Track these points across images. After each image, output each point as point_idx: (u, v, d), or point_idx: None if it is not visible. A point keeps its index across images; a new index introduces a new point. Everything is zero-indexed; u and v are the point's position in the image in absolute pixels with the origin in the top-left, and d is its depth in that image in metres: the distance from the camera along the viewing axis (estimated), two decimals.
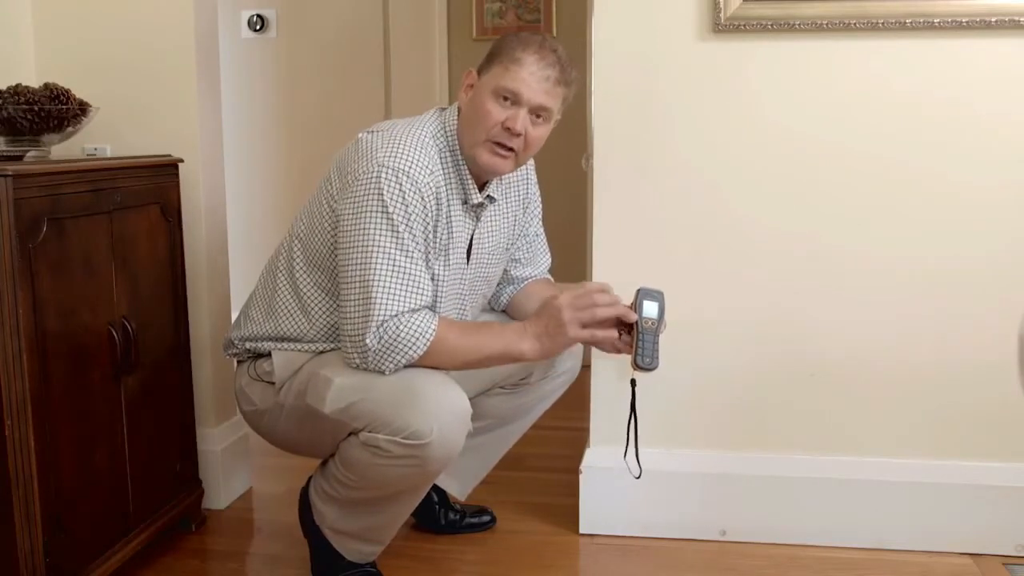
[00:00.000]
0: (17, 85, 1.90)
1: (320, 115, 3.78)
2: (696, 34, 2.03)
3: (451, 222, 1.78)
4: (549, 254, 2.12)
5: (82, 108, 1.97)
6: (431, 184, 1.71)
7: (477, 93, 1.75)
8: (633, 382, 1.85)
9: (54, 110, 1.91)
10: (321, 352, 1.80)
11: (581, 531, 2.18)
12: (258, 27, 3.80)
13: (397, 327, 1.64)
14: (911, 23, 1.96)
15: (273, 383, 1.82)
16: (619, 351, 1.81)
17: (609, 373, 2.13)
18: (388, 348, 1.64)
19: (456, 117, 1.80)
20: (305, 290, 1.80)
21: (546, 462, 2.61)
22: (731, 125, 2.06)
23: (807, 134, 2.04)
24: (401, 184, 1.66)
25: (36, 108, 1.88)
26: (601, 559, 2.09)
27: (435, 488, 2.17)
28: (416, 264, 1.68)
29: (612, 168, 2.10)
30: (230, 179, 2.55)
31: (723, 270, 2.10)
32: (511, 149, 1.74)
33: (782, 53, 2.02)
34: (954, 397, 2.07)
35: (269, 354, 1.84)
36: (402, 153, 1.69)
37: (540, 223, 2.08)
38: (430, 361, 1.67)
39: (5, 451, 1.57)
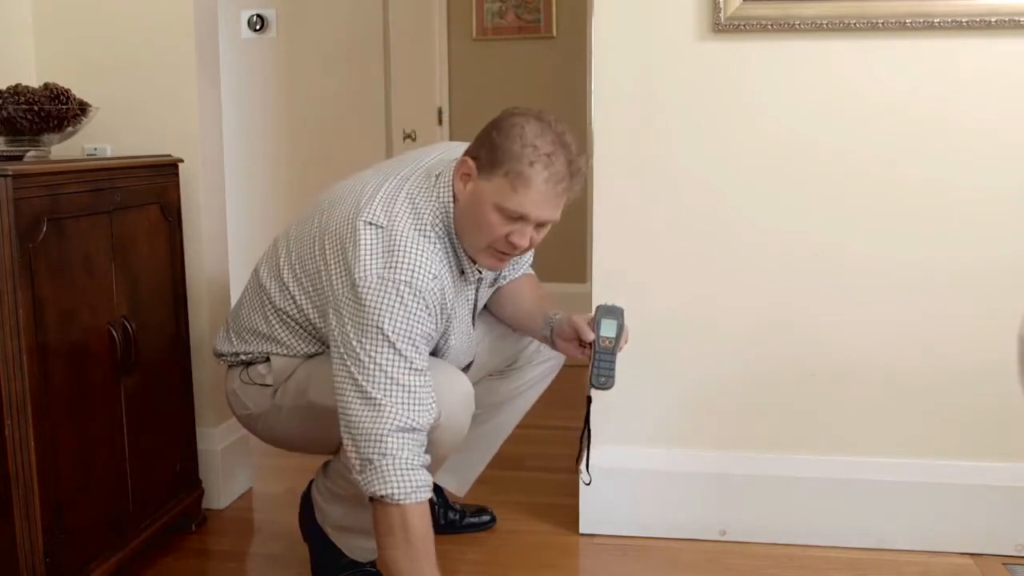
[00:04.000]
0: (17, 85, 1.90)
1: (320, 115, 3.78)
2: (696, 34, 2.03)
3: (456, 296, 1.76)
4: (532, 250, 2.10)
5: (82, 108, 1.97)
6: (436, 290, 1.63)
7: (478, 199, 1.64)
8: (588, 399, 1.86)
9: (54, 110, 1.91)
10: (313, 355, 1.81)
11: (581, 531, 2.18)
12: (258, 27, 3.80)
13: (402, 464, 1.56)
14: (911, 23, 1.96)
15: (267, 385, 1.82)
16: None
17: None
18: (380, 473, 1.56)
19: (451, 196, 1.69)
20: (296, 317, 1.79)
21: (546, 462, 2.61)
22: (731, 125, 2.06)
23: (807, 134, 2.04)
24: (404, 301, 1.58)
25: (36, 108, 1.88)
26: (601, 559, 2.09)
27: (435, 488, 2.17)
28: (423, 379, 1.60)
29: (612, 168, 2.10)
30: (230, 179, 2.55)
31: (723, 270, 2.10)
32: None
33: (782, 53, 2.02)
34: (954, 397, 2.07)
35: (264, 360, 1.84)
36: (405, 264, 1.60)
37: None
38: (390, 517, 1.58)
39: (5, 451, 1.58)
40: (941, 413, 2.08)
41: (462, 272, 1.77)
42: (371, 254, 1.62)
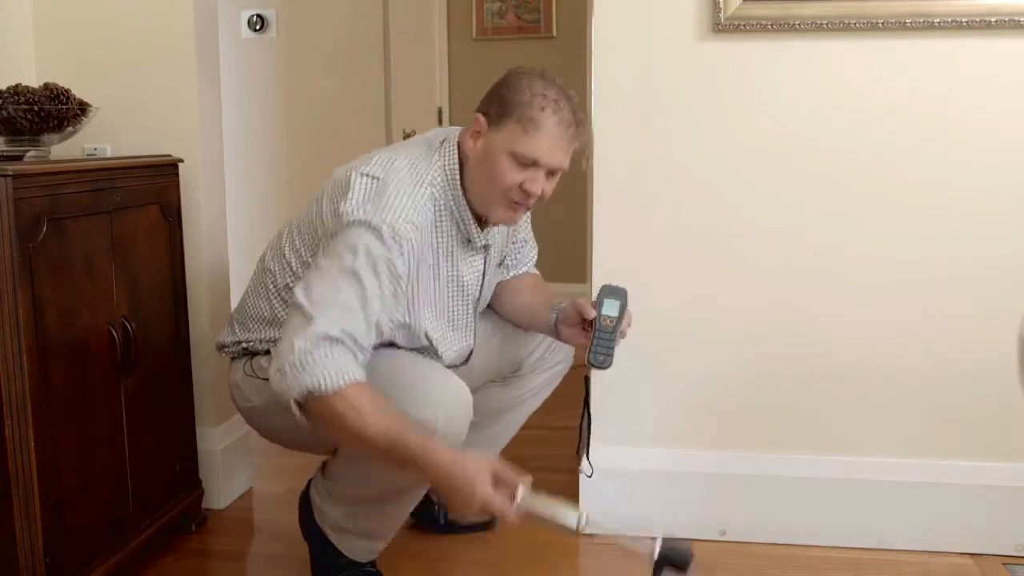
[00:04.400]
0: (17, 85, 1.90)
1: (320, 115, 3.78)
2: (696, 34, 2.03)
3: (456, 265, 1.78)
4: (536, 248, 2.11)
5: (82, 108, 1.97)
6: (415, 241, 1.66)
7: (490, 151, 1.69)
8: (587, 379, 1.85)
9: (54, 110, 1.91)
10: None
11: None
12: (258, 27, 3.80)
13: (324, 354, 1.51)
14: (911, 23, 1.96)
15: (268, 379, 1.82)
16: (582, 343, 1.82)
17: (609, 372, 2.13)
18: (301, 366, 1.51)
19: (456, 159, 1.74)
20: None
21: (546, 462, 2.59)
22: (731, 125, 2.06)
23: (807, 134, 2.04)
24: (383, 237, 1.61)
25: (36, 108, 1.88)
26: (601, 559, 2.09)
27: None
28: (370, 311, 1.59)
29: (612, 168, 2.10)
30: (230, 179, 2.55)
31: (723, 270, 2.10)
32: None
33: (782, 53, 2.02)
34: (954, 397, 2.07)
35: (265, 351, 1.84)
36: (391, 206, 1.64)
37: (529, 226, 2.07)
38: (332, 406, 1.50)
39: (5, 451, 1.58)
40: (941, 413, 2.08)
41: (468, 240, 1.79)
42: (361, 196, 1.67)
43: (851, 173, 2.04)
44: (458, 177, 1.74)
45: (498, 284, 2.04)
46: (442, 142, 1.77)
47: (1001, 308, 1.98)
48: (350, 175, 1.70)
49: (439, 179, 1.73)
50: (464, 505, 1.46)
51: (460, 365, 1.88)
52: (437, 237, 1.75)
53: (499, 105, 1.69)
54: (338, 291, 1.58)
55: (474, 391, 1.97)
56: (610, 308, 1.78)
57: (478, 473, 1.45)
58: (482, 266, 1.87)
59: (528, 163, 1.67)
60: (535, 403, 2.11)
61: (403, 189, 1.67)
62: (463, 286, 1.83)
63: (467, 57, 4.45)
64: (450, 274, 1.80)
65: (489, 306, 2.06)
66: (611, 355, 1.76)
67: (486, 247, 1.85)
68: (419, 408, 1.62)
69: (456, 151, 1.75)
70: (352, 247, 1.60)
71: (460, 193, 1.74)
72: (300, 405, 1.52)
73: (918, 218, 2.03)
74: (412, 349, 1.80)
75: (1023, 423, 2.05)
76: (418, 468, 1.49)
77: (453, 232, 1.78)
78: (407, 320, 1.73)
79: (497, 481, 1.46)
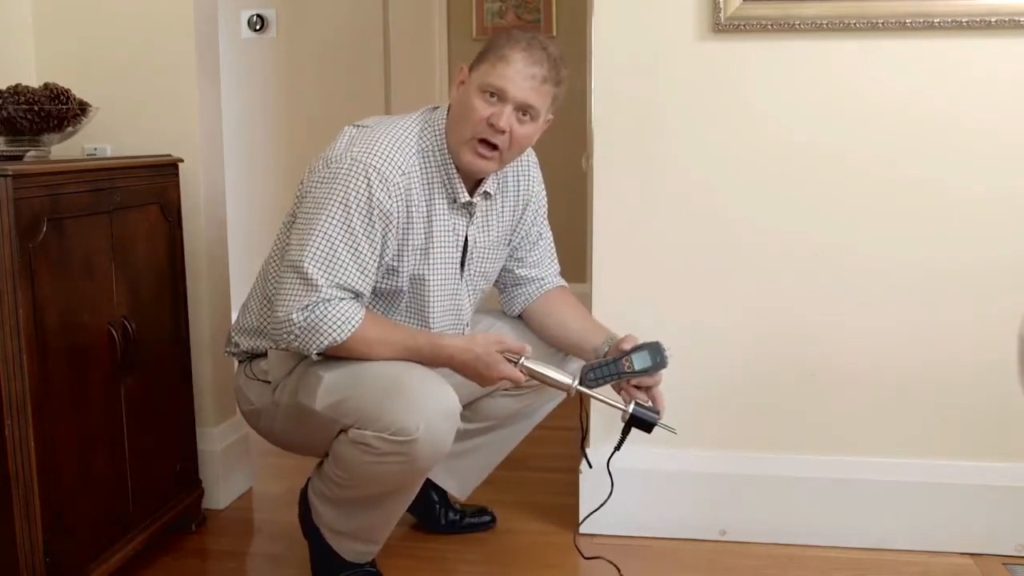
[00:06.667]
0: (17, 85, 1.90)
1: (320, 115, 3.79)
2: (696, 34, 2.03)
3: (432, 223, 1.78)
4: (557, 262, 2.08)
5: (82, 108, 1.97)
6: (402, 184, 1.72)
7: (465, 90, 1.76)
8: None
9: (54, 110, 1.91)
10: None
11: (581, 531, 2.17)
12: (258, 27, 3.80)
13: (324, 312, 1.67)
14: (911, 23, 1.96)
15: (269, 382, 1.83)
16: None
17: None
18: (312, 328, 1.67)
19: (446, 114, 1.80)
20: None
21: (546, 462, 2.61)
22: (730, 125, 2.06)
23: (807, 134, 2.04)
24: (369, 179, 1.69)
25: (36, 108, 1.88)
26: (601, 559, 2.08)
27: (436, 488, 2.17)
28: (358, 252, 1.69)
29: (611, 168, 2.10)
30: (230, 179, 2.55)
31: (723, 270, 2.10)
32: (495, 148, 1.73)
33: (782, 53, 2.02)
34: (954, 397, 2.07)
35: (266, 353, 1.84)
36: (377, 150, 1.72)
37: (546, 224, 2.05)
38: (353, 348, 1.70)
39: (5, 451, 1.58)
40: (941, 413, 2.08)
41: (455, 200, 1.81)
42: (349, 141, 1.77)
43: (851, 173, 2.04)
44: (444, 132, 1.78)
45: (533, 305, 2.00)
46: (435, 108, 1.85)
47: (1001, 308, 1.98)
48: (342, 129, 1.82)
49: (428, 133, 1.79)
50: (481, 379, 1.74)
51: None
52: (423, 188, 1.77)
53: (479, 54, 1.77)
54: (329, 242, 1.68)
55: (486, 396, 1.97)
56: (640, 361, 1.78)
57: (485, 350, 1.71)
58: (464, 230, 1.85)
59: (495, 92, 1.71)
60: (547, 410, 2.09)
61: (391, 135, 1.75)
62: (445, 244, 1.82)
63: (467, 57, 4.43)
64: (434, 228, 1.80)
65: (519, 318, 2.04)
66: (601, 384, 1.77)
67: (469, 205, 1.83)
68: (399, 414, 1.62)
69: (447, 110, 1.81)
70: (340, 191, 1.69)
71: (446, 148, 1.78)
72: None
73: (918, 218, 2.03)
74: (394, 302, 1.82)
75: (1023, 423, 2.05)
76: (437, 364, 1.72)
77: (439, 187, 1.79)
78: (395, 263, 1.77)
79: (503, 351, 1.72)
